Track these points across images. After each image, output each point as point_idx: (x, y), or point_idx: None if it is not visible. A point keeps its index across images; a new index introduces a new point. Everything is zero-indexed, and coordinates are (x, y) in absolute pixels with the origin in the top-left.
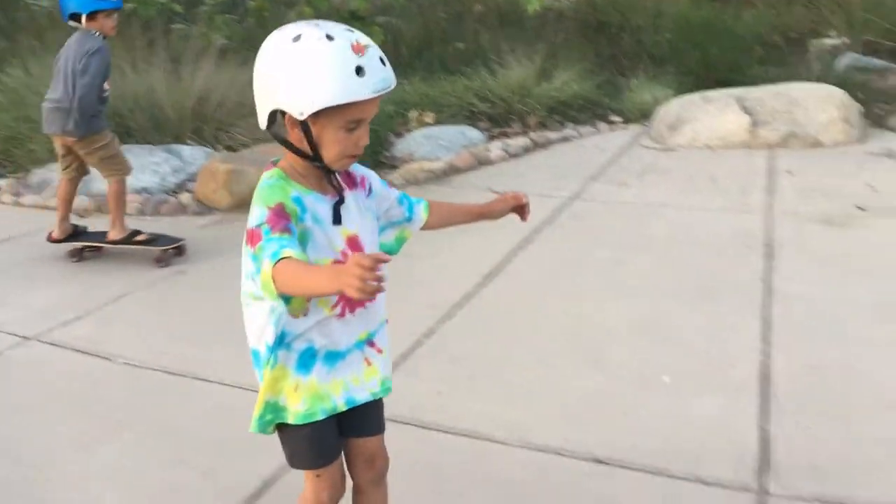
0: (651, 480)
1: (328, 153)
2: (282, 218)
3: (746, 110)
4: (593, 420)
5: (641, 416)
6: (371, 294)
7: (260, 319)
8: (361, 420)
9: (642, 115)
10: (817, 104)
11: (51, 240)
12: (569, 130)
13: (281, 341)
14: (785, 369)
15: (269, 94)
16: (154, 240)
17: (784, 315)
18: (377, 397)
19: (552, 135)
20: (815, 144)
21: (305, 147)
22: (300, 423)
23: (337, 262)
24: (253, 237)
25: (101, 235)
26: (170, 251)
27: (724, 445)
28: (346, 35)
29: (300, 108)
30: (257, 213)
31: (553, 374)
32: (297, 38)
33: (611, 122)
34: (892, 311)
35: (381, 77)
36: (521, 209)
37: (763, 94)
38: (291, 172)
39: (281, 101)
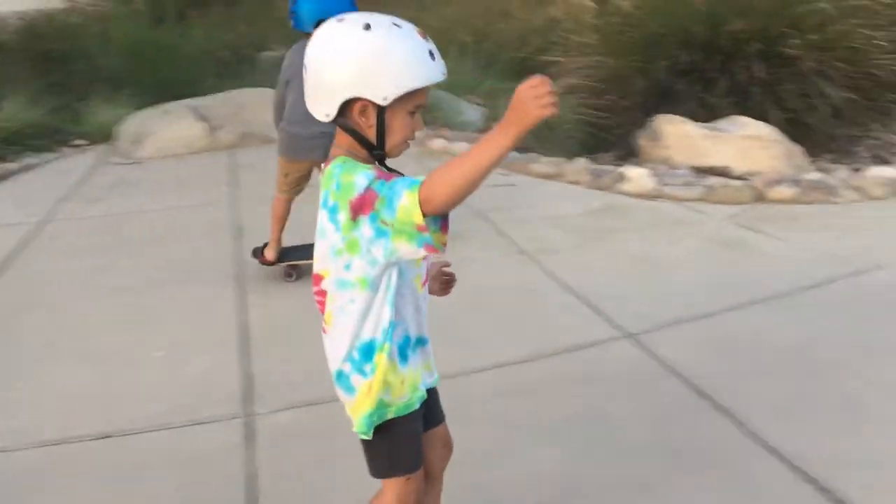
0: (157, 437)
1: (393, 139)
2: (388, 174)
3: (202, 117)
4: (94, 405)
5: (139, 389)
6: (556, 106)
7: (359, 308)
8: (433, 407)
9: (106, 135)
10: (259, 107)
11: (266, 262)
12: (30, 159)
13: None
14: (259, 322)
15: (346, 84)
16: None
17: (256, 280)
18: (437, 383)
19: (12, 165)
20: (268, 141)
21: (372, 135)
22: (402, 413)
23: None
24: (365, 200)
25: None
26: None
27: (215, 391)
28: (406, 23)
29: (384, 94)
30: (360, 178)
31: (48, 377)
32: (367, 28)
33: (75, 146)
34: None
35: (443, 62)
36: None
37: (215, 102)
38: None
39: (360, 88)
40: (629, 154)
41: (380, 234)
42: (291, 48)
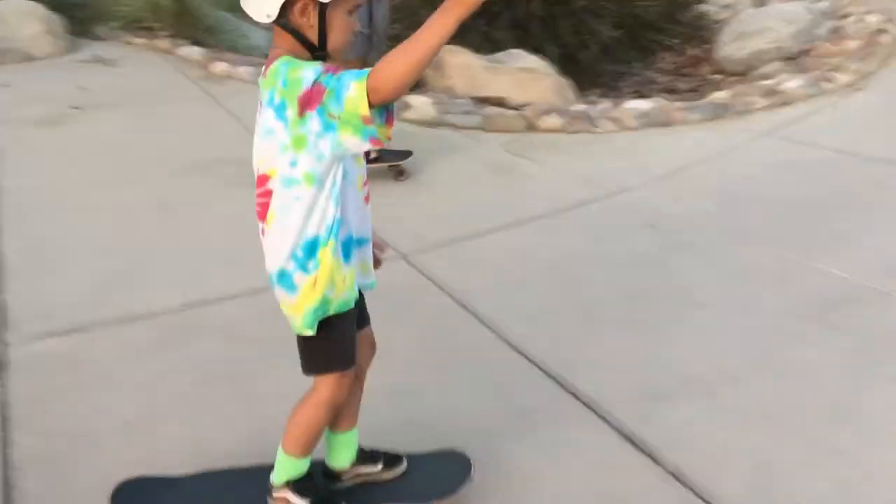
0: None
1: (334, 39)
2: (336, 68)
3: None
4: None
5: None
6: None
7: (305, 205)
8: (362, 309)
9: None
10: (21, 20)
11: None
12: None
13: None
14: (16, 247)
15: None
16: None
17: (14, 204)
18: (373, 286)
19: None
20: (28, 58)
21: (314, 35)
22: (341, 311)
23: None
24: (313, 94)
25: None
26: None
27: None
28: None
29: None
30: (308, 73)
31: None
32: None
33: None
34: (109, 183)
35: None
36: None
37: None
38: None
39: None
40: (416, 84)
41: (327, 127)
42: None
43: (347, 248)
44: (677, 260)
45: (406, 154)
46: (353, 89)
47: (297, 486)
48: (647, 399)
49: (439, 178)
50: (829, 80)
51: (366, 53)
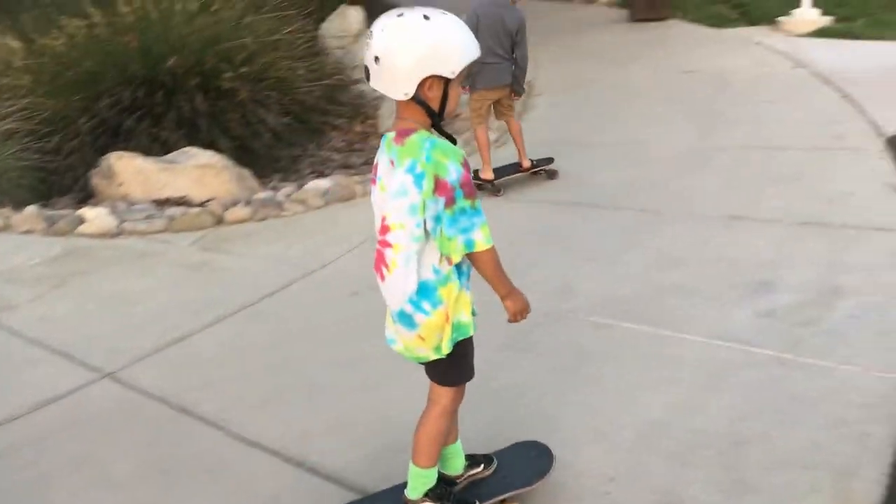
0: None
1: (450, 106)
2: (473, 185)
3: None
4: None
5: None
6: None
7: (424, 254)
8: None
9: None
10: None
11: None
12: None
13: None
14: None
15: (422, 65)
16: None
17: None
18: None
19: None
20: None
21: (436, 105)
22: (469, 335)
23: None
24: (448, 192)
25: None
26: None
27: None
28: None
29: (452, 68)
30: (452, 170)
31: None
32: (426, 18)
33: None
34: None
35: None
36: None
37: None
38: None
39: (434, 66)
40: (89, 196)
41: (439, 217)
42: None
43: (461, 276)
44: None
45: (550, 160)
46: (484, 239)
47: (434, 494)
48: (384, 456)
49: (131, 288)
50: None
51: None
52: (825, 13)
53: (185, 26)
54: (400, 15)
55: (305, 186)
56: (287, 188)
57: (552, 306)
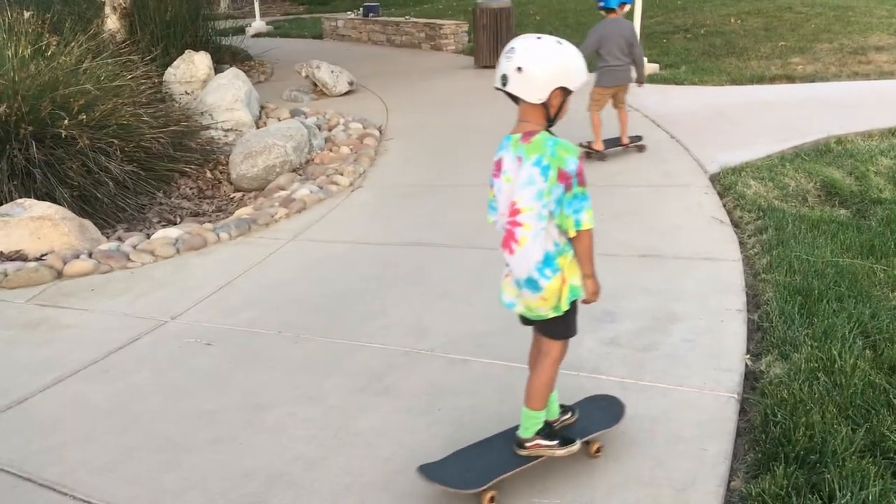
0: None
1: (562, 114)
2: (585, 174)
3: None
4: None
5: None
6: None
7: (546, 231)
8: None
9: None
10: None
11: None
12: None
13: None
14: None
15: (557, 78)
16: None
17: None
18: None
19: None
20: None
21: (554, 112)
22: (578, 296)
23: None
24: (567, 180)
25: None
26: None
27: None
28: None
29: (576, 84)
30: (571, 163)
31: None
32: (559, 42)
33: None
34: None
35: None
36: None
37: None
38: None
39: (564, 80)
40: None
41: (559, 201)
42: (601, 23)
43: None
44: (240, 371)
45: (639, 137)
46: (588, 219)
47: (543, 433)
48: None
49: None
50: (334, 183)
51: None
52: (652, 60)
53: (18, 72)
54: (539, 38)
55: (153, 236)
56: (133, 238)
57: (407, 346)
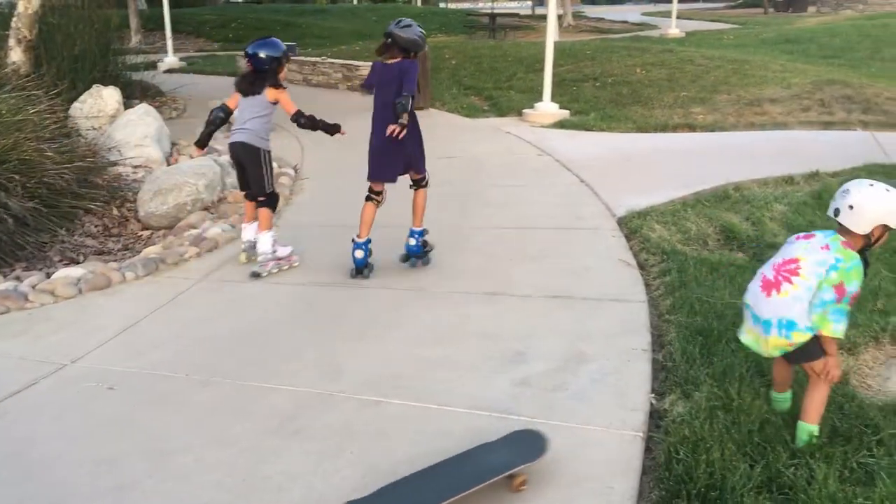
0: None
1: (876, 245)
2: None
3: None
4: None
5: None
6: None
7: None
8: None
9: None
10: None
11: None
12: None
13: None
14: None
15: (880, 217)
16: None
17: None
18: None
19: None
20: None
21: (874, 241)
22: None
23: None
24: (843, 295)
25: None
26: None
27: None
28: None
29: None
30: (856, 285)
31: None
32: (888, 190)
33: None
34: None
35: None
36: None
37: None
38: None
39: (888, 220)
40: None
41: (823, 302)
42: None
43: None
44: (145, 415)
45: None
46: (841, 331)
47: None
48: None
49: None
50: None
51: None
52: (563, 107)
53: None
54: (871, 185)
55: (54, 275)
56: (32, 277)
57: (321, 388)
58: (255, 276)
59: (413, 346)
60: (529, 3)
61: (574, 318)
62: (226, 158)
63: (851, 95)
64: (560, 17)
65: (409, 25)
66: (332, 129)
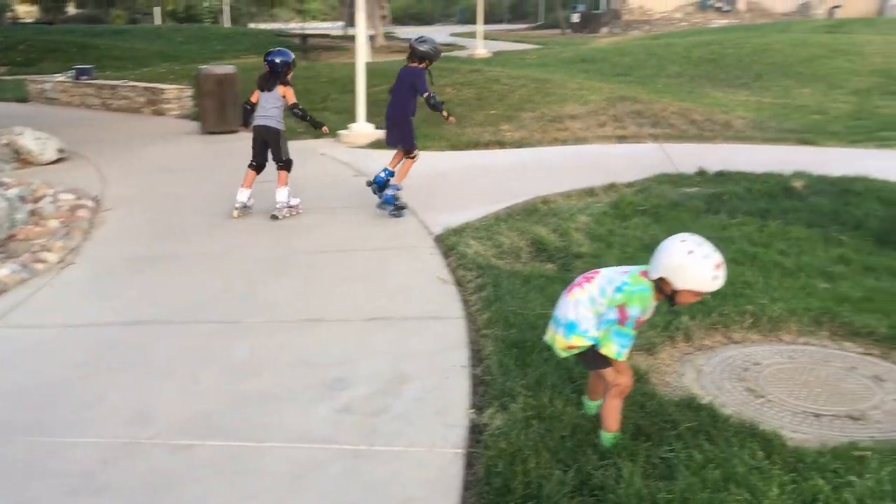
0: None
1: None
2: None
3: None
4: None
5: None
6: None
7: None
8: None
9: None
10: None
11: None
12: None
13: None
14: None
15: (669, 270)
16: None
17: None
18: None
19: None
20: None
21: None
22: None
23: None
24: (625, 319)
25: None
26: None
27: None
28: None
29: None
30: (637, 311)
31: None
32: (690, 252)
33: None
34: None
35: None
36: None
37: None
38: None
39: (670, 275)
40: None
41: (606, 321)
42: None
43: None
44: None
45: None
46: (626, 352)
47: None
48: None
49: None
50: (40, 260)
51: None
52: (379, 127)
53: None
54: (682, 240)
55: None
56: None
57: (128, 435)
58: (274, 218)
59: (227, 381)
60: (341, 23)
61: (394, 339)
62: (13, 192)
63: (641, 110)
64: (372, 38)
65: (425, 41)
66: (317, 125)
